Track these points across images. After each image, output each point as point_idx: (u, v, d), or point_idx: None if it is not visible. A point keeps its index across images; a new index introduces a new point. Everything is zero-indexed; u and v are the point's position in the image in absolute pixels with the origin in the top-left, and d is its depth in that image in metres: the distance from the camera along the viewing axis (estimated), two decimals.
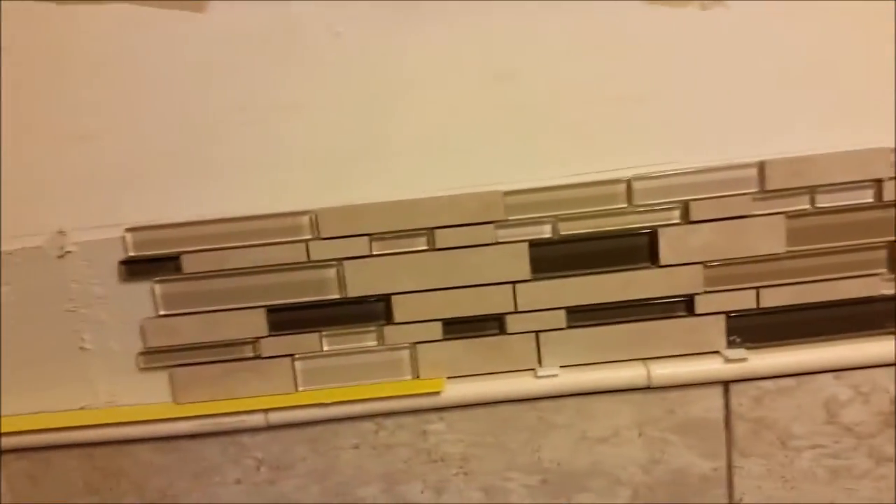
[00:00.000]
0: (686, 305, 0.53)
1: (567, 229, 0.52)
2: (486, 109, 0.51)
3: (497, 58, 0.51)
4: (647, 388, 0.53)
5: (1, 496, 0.57)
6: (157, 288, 0.53)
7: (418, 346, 0.54)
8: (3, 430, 0.56)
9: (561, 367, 0.54)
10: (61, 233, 0.53)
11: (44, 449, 0.57)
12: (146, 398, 0.56)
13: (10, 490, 0.58)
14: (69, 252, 0.53)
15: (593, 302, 0.53)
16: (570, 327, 0.54)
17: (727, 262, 0.52)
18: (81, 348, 0.55)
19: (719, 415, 0.54)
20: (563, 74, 0.51)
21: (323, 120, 0.51)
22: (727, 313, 0.53)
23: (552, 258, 0.52)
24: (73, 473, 0.57)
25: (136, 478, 0.57)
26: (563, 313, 0.54)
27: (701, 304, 0.53)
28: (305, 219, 0.53)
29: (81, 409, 0.56)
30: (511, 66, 0.51)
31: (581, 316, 0.54)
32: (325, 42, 0.50)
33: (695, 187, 0.51)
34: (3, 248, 0.54)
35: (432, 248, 0.52)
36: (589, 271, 0.53)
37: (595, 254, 0.53)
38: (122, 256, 0.53)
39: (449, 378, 0.55)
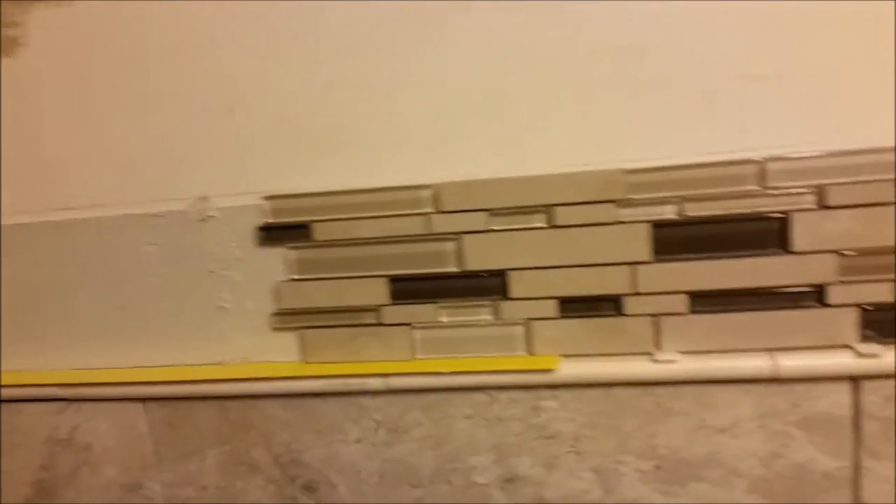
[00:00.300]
0: (817, 296, 0.60)
1: (693, 210, 0.60)
2: (610, 85, 0.60)
3: (623, 32, 0.59)
4: (772, 380, 0.62)
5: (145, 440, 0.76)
6: (290, 253, 0.68)
7: (533, 322, 0.66)
8: (148, 380, 0.74)
9: (680, 352, 0.63)
10: (204, 198, 0.69)
11: (182, 399, 0.74)
12: (277, 356, 0.71)
13: (151, 434, 0.77)
14: (211, 217, 0.69)
15: (718, 288, 0.61)
16: (692, 312, 0.62)
17: (864, 251, 0.58)
18: (219, 307, 0.71)
19: (847, 412, 0.61)
20: (691, 49, 0.58)
21: (449, 96, 0.63)
22: (861, 306, 0.59)
23: (676, 240, 0.61)
24: (206, 423, 0.75)
25: (264, 431, 0.73)
26: (685, 298, 0.62)
27: (833, 295, 0.60)
28: (428, 192, 0.65)
29: (217, 363, 0.72)
30: (637, 41, 0.59)
31: (704, 301, 0.62)
32: (454, 15, 0.61)
33: (831, 171, 0.57)
34: (152, 210, 0.71)
35: (551, 226, 0.63)
36: (714, 255, 0.60)
37: (722, 237, 0.60)
38: (259, 222, 0.68)
39: (563, 356, 0.65)
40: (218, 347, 0.71)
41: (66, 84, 0.68)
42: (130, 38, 0.65)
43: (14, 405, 0.77)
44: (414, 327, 0.66)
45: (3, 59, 0.68)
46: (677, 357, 0.63)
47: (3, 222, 0.72)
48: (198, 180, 0.67)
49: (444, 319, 0.66)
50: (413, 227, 0.64)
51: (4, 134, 0.70)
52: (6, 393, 0.75)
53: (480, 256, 0.64)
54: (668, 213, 0.60)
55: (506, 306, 0.64)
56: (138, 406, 0.73)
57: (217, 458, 0.73)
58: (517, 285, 0.63)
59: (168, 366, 0.72)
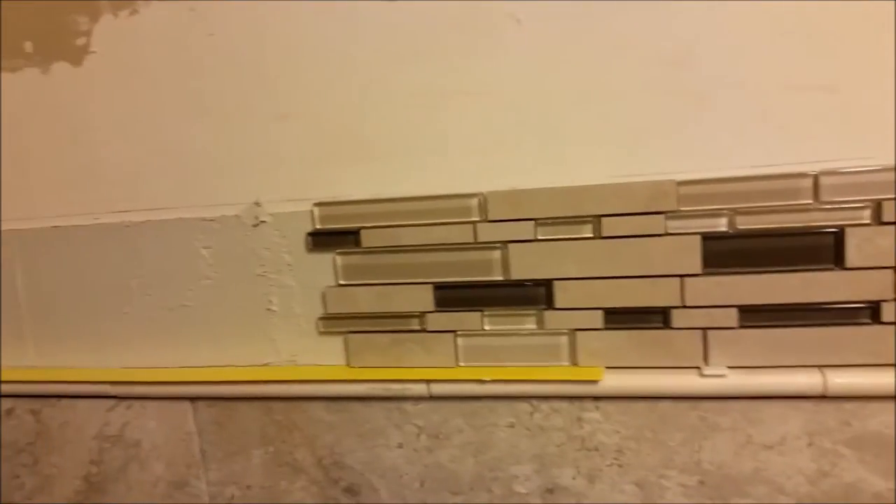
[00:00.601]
0: (871, 313, 0.58)
1: (744, 223, 0.59)
2: (660, 95, 0.59)
3: (675, 42, 0.58)
4: (822, 397, 0.60)
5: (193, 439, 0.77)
6: (339, 259, 0.69)
7: (578, 332, 0.65)
8: (197, 379, 0.75)
9: (728, 367, 0.62)
10: (257, 204, 0.70)
11: (230, 399, 0.75)
12: (323, 360, 0.71)
13: (198, 433, 0.78)
14: (263, 222, 0.70)
15: (769, 302, 0.60)
16: (741, 327, 0.61)
17: None
18: (268, 310, 0.72)
19: None
20: (744, 60, 0.57)
21: (497, 105, 0.63)
22: None
23: (726, 253, 0.60)
24: (252, 423, 0.75)
25: (308, 433, 0.74)
26: (734, 311, 0.61)
27: (888, 313, 0.58)
28: (475, 201, 0.65)
29: (265, 365, 0.73)
30: (689, 51, 0.58)
31: (754, 316, 0.61)
32: (507, 29, 0.62)
33: (887, 186, 0.56)
34: (206, 215, 0.72)
35: (598, 236, 0.62)
36: (766, 269, 0.59)
37: (774, 251, 0.59)
38: (309, 228, 0.69)
39: (608, 368, 0.64)
40: (266, 349, 0.71)
41: (128, 90, 0.70)
42: (191, 48, 0.67)
43: (67, 401, 0.79)
44: (458, 335, 0.66)
45: (72, 67, 0.70)
46: (725, 372, 0.62)
47: (62, 224, 0.74)
48: (251, 186, 0.69)
49: (488, 327, 0.66)
50: (459, 235, 0.64)
51: (69, 138, 0.72)
52: (61, 389, 0.77)
53: (526, 265, 0.63)
54: (720, 225, 0.59)
55: (550, 316, 0.64)
56: (187, 405, 0.74)
57: (262, 458, 0.74)
58: (562, 295, 0.63)
59: (217, 366, 0.73)
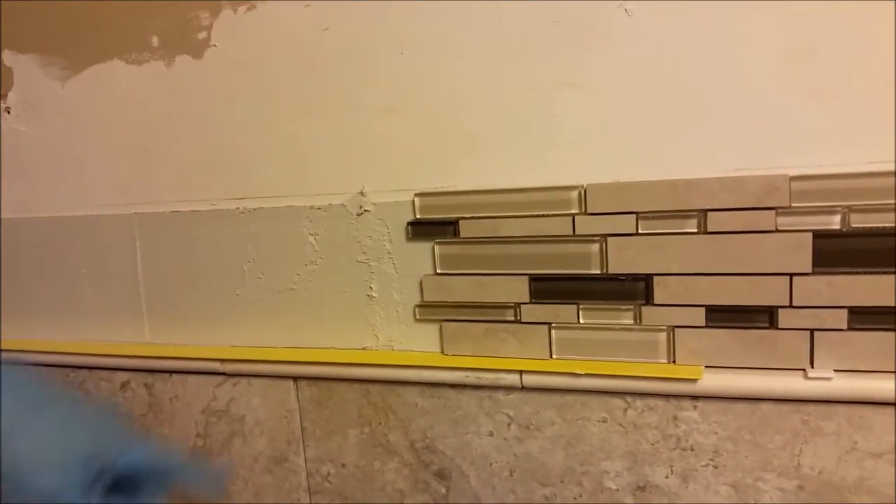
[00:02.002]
0: None
1: (859, 221, 0.54)
2: (776, 88, 0.55)
3: (793, 35, 0.54)
4: None
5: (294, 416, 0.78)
6: (437, 248, 0.68)
7: (677, 329, 0.62)
8: (300, 360, 0.75)
9: (836, 370, 0.57)
10: (362, 194, 0.70)
11: (330, 380, 0.75)
12: (418, 346, 0.70)
13: (299, 411, 0.78)
14: (367, 211, 0.70)
15: (882, 304, 0.55)
16: (850, 329, 0.56)
17: None
18: (369, 296, 0.72)
19: None
20: (864, 54, 0.53)
21: (604, 98, 0.60)
22: None
23: (838, 252, 0.55)
24: (350, 405, 0.75)
25: (403, 416, 0.73)
26: (844, 313, 0.56)
27: None
28: (574, 193, 0.62)
29: (363, 349, 0.73)
30: (808, 44, 0.54)
31: (865, 318, 0.56)
32: (616, 21, 0.59)
33: None
34: (314, 204, 0.72)
35: (703, 231, 0.59)
36: (881, 270, 0.55)
37: (890, 251, 0.54)
38: (410, 218, 0.68)
39: (707, 367, 0.61)
40: (365, 334, 0.71)
41: (245, 83, 0.71)
42: (305, 42, 0.67)
43: (179, 376, 0.80)
44: (552, 327, 0.64)
45: (193, 61, 0.71)
46: (832, 374, 0.57)
47: (181, 209, 0.75)
48: (358, 176, 0.68)
49: (584, 321, 0.63)
50: (558, 227, 0.62)
51: (189, 128, 0.74)
52: (173, 365, 0.78)
53: (625, 259, 0.60)
54: (833, 223, 0.54)
55: (649, 312, 0.61)
56: (289, 383, 0.74)
57: (357, 438, 0.73)
58: (662, 291, 0.60)
59: (319, 348, 0.73)
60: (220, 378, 0.78)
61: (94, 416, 0.49)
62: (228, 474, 0.60)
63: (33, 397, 0.46)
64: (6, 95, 0.81)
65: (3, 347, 0.85)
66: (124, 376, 0.83)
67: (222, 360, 0.75)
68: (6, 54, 0.80)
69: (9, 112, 0.81)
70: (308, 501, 0.78)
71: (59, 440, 0.45)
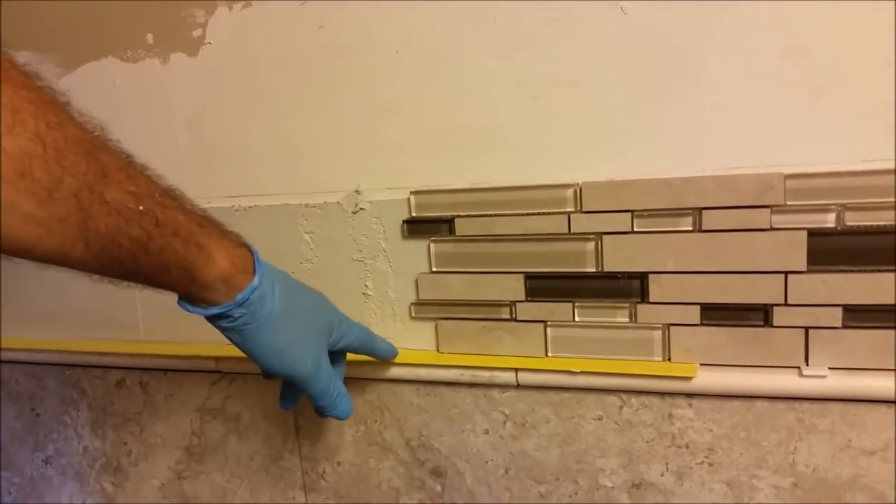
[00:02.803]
0: None
1: (854, 220, 0.54)
2: (771, 86, 0.55)
3: (788, 32, 0.54)
4: None
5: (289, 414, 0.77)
6: (433, 246, 0.67)
7: (672, 327, 0.62)
8: None
9: (830, 368, 0.57)
10: (357, 192, 0.69)
11: None
12: (414, 344, 0.70)
13: (294, 409, 0.77)
14: (362, 209, 0.69)
15: (877, 302, 0.55)
16: (845, 327, 0.56)
17: None
18: (364, 294, 0.71)
19: None
20: (860, 51, 0.52)
21: (598, 96, 0.60)
22: None
23: (833, 250, 0.55)
24: None
25: (398, 414, 0.73)
26: (839, 311, 0.56)
27: None
28: (570, 191, 0.62)
29: None
30: (801, 42, 0.54)
31: (860, 316, 0.56)
32: (611, 19, 0.59)
33: None
34: (309, 202, 0.71)
35: (698, 230, 0.59)
36: (875, 268, 0.54)
37: (885, 249, 0.54)
38: (405, 216, 0.67)
39: (702, 365, 0.61)
40: None
41: (240, 81, 0.70)
42: (300, 40, 0.67)
43: (175, 375, 0.80)
44: (548, 325, 0.64)
45: (188, 58, 0.71)
46: (826, 372, 0.57)
47: None
48: (352, 174, 0.68)
49: (579, 319, 0.63)
50: (554, 225, 0.62)
51: (184, 126, 0.73)
52: (168, 363, 0.78)
53: (621, 258, 0.60)
54: (828, 221, 0.54)
55: (644, 310, 0.61)
56: None
57: (353, 436, 0.73)
58: (657, 289, 0.59)
59: None
60: (216, 376, 0.77)
61: (326, 303, 0.60)
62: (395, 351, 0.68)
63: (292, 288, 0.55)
64: None
65: (1, 346, 0.85)
66: (119, 374, 0.83)
67: (217, 359, 0.75)
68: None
69: None
70: (304, 500, 0.77)
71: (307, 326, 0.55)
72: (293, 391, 0.62)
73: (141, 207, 0.42)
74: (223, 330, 0.51)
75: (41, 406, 0.89)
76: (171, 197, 0.46)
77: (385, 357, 0.66)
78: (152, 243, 0.43)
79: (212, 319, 0.50)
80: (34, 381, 0.89)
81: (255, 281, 0.49)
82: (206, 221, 0.48)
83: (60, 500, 0.91)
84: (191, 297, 0.48)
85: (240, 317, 0.49)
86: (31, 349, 0.84)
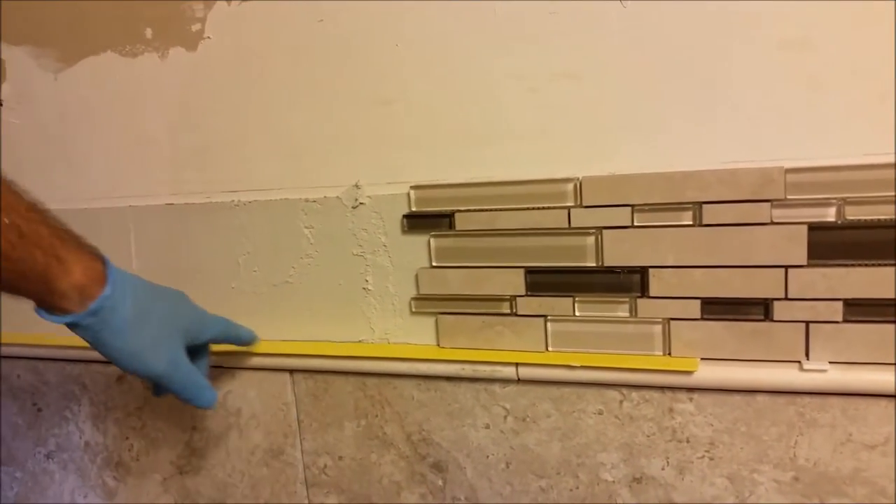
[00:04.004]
0: None
1: (854, 214, 0.54)
2: (771, 79, 0.55)
3: (788, 25, 0.54)
4: None
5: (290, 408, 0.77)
6: (433, 241, 0.67)
7: (673, 322, 0.62)
8: (296, 352, 0.75)
9: (831, 362, 0.57)
10: (357, 186, 0.69)
11: (326, 373, 0.75)
12: (414, 339, 0.70)
13: (295, 404, 0.78)
14: (362, 204, 0.69)
15: (878, 297, 0.55)
16: (846, 321, 0.56)
17: None
18: (364, 289, 0.72)
19: None
20: (860, 45, 0.52)
21: (598, 90, 0.60)
22: None
23: (834, 244, 0.55)
24: (346, 397, 0.75)
25: (399, 409, 0.73)
26: (839, 305, 0.56)
27: None
28: (570, 186, 0.62)
29: (359, 342, 0.72)
30: (800, 34, 0.53)
31: (861, 310, 0.56)
32: (611, 12, 0.58)
33: None
34: (309, 196, 0.71)
35: (698, 224, 0.59)
36: (876, 262, 0.54)
37: (885, 243, 0.54)
38: (405, 211, 0.67)
39: (703, 359, 0.61)
40: (361, 327, 0.71)
41: (239, 75, 0.70)
42: (300, 34, 0.67)
43: None
44: (548, 319, 0.64)
45: (187, 53, 0.71)
46: (827, 367, 0.57)
47: (176, 202, 0.75)
48: (352, 169, 0.68)
49: (580, 314, 0.63)
50: (554, 220, 0.62)
51: (183, 121, 0.73)
52: None
53: (621, 252, 0.60)
54: (828, 215, 0.54)
55: (644, 304, 0.61)
56: (286, 376, 0.74)
57: (354, 430, 0.73)
58: (658, 283, 0.59)
59: (315, 340, 0.73)
60: (217, 371, 0.78)
61: (184, 302, 0.63)
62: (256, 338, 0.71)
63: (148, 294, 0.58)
64: None
65: (2, 342, 0.85)
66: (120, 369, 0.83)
67: (218, 353, 0.75)
68: None
69: (2, 104, 0.81)
70: (305, 494, 0.78)
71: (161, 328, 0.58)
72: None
73: (6, 220, 0.46)
74: (80, 335, 0.54)
75: (43, 401, 0.89)
76: (36, 211, 0.50)
77: (248, 343, 0.70)
78: (14, 253, 0.47)
79: (67, 326, 0.52)
80: (35, 376, 0.89)
81: (107, 291, 0.52)
82: (67, 235, 0.52)
83: (62, 494, 0.91)
84: (47, 305, 0.52)
85: (92, 325, 0.52)
86: (33, 344, 0.85)
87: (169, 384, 0.59)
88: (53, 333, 0.79)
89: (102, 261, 0.54)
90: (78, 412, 0.88)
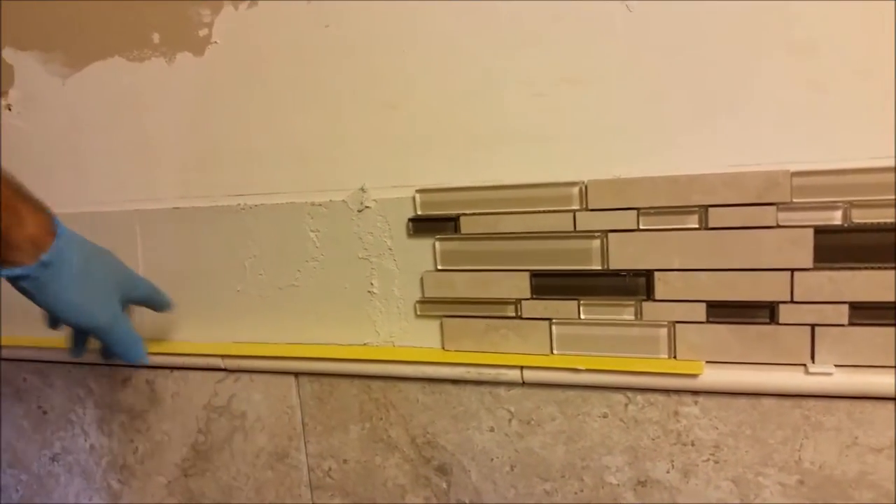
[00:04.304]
0: None
1: (861, 217, 0.54)
2: (777, 83, 0.55)
3: (794, 29, 0.54)
4: None
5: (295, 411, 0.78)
6: (438, 245, 0.67)
7: (678, 325, 0.62)
8: (301, 356, 0.75)
9: (836, 365, 0.57)
10: (363, 190, 0.70)
11: (331, 376, 0.75)
12: (419, 342, 0.70)
13: (300, 407, 0.78)
14: (367, 207, 0.70)
15: (884, 300, 0.55)
16: (851, 324, 0.56)
17: None
18: (370, 292, 0.72)
19: None
20: (865, 49, 0.52)
21: (604, 94, 0.60)
22: None
23: (840, 247, 0.55)
24: (351, 400, 0.75)
25: (404, 412, 0.73)
26: (845, 308, 0.56)
27: None
28: (575, 189, 0.62)
29: (364, 345, 0.73)
30: (806, 37, 0.54)
31: (866, 313, 0.56)
32: (616, 16, 0.59)
33: None
34: (315, 200, 0.72)
35: (704, 227, 0.59)
36: (882, 265, 0.54)
37: (891, 247, 0.54)
38: (411, 214, 0.67)
39: (708, 362, 0.61)
40: (366, 330, 0.71)
41: (246, 80, 0.71)
42: (306, 39, 0.67)
43: (180, 372, 0.80)
44: (553, 323, 0.64)
45: (194, 58, 0.71)
46: (832, 370, 0.57)
47: (182, 205, 0.75)
48: (358, 173, 0.68)
49: (585, 317, 0.63)
50: (559, 223, 0.62)
51: (190, 125, 0.74)
52: (174, 361, 0.78)
53: (626, 255, 0.60)
54: (834, 218, 0.54)
55: (650, 307, 0.61)
56: (291, 379, 0.74)
57: (359, 433, 0.73)
58: (663, 286, 0.60)
59: (320, 344, 0.74)
60: (222, 374, 0.78)
61: (117, 260, 0.65)
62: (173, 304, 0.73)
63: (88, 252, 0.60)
64: (7, 92, 0.81)
65: (4, 344, 0.85)
66: (126, 372, 0.83)
67: (223, 356, 0.75)
68: (7, 51, 0.80)
69: (10, 109, 0.81)
70: (309, 497, 0.78)
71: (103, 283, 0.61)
72: (82, 339, 0.67)
73: None
74: (26, 290, 0.55)
75: (48, 404, 0.90)
76: None
77: (167, 308, 0.72)
78: None
79: (16, 279, 0.54)
80: (41, 378, 0.89)
81: (58, 243, 0.55)
82: (19, 188, 0.53)
83: (67, 497, 0.91)
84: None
85: (42, 276, 0.54)
86: (38, 347, 0.85)
87: (108, 336, 0.62)
88: (59, 336, 0.80)
89: (51, 215, 0.56)
90: (83, 415, 0.88)
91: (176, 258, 0.77)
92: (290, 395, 0.75)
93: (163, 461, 0.85)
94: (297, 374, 0.75)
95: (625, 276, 0.61)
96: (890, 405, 0.56)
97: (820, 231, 0.55)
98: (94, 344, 0.68)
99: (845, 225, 0.55)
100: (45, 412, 0.90)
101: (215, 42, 0.71)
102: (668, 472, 0.63)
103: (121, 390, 0.85)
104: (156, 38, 0.73)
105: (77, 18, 0.76)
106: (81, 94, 0.79)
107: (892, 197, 0.53)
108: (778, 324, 0.58)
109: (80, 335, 0.66)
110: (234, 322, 0.76)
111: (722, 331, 0.59)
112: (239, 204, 0.73)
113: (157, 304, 0.70)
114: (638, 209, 0.60)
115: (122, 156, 0.78)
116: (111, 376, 0.85)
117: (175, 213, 0.76)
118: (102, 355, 0.69)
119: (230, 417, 0.80)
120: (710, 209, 0.57)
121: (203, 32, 0.71)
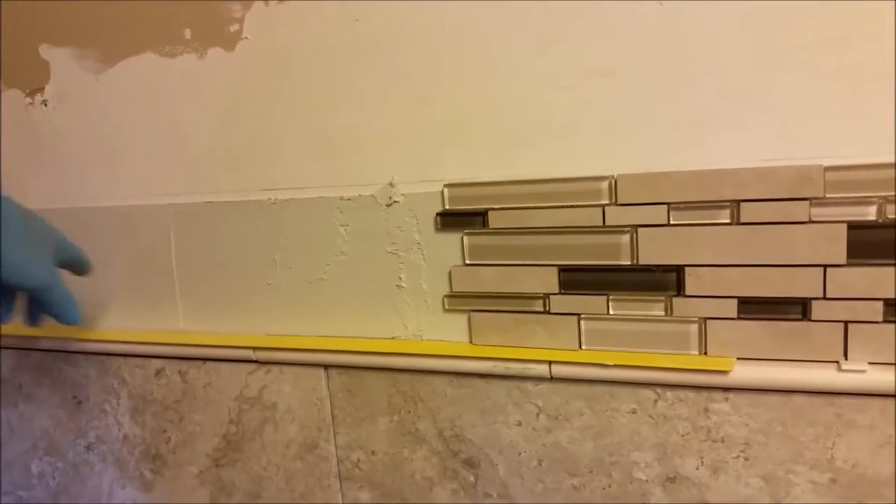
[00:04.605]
0: None
1: (895, 212, 0.54)
2: (810, 77, 0.54)
3: (827, 23, 0.53)
4: None
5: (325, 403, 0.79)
6: (466, 239, 0.68)
7: (709, 321, 0.61)
8: (331, 348, 0.76)
9: (870, 363, 0.56)
10: (392, 184, 0.70)
11: (360, 368, 0.76)
12: (447, 336, 0.71)
13: (330, 399, 0.79)
14: (396, 202, 0.70)
15: None
16: (886, 321, 0.55)
17: None
18: (398, 286, 0.72)
19: None
20: None
21: (634, 87, 0.60)
22: None
23: (874, 243, 0.54)
24: (380, 393, 0.76)
25: (431, 405, 0.74)
26: (879, 305, 0.55)
27: None
28: (605, 184, 0.62)
29: (392, 338, 0.73)
30: (842, 32, 0.53)
31: None
32: (647, 9, 0.58)
33: None
34: (345, 195, 0.72)
35: (736, 222, 0.58)
36: None
37: None
38: (439, 209, 0.68)
39: (739, 359, 0.60)
40: (394, 323, 0.72)
41: (276, 75, 0.71)
42: (336, 34, 0.68)
43: (212, 364, 0.82)
44: (581, 318, 0.64)
45: (225, 53, 0.72)
46: (866, 367, 0.56)
47: (214, 199, 0.76)
48: (387, 167, 0.69)
49: (613, 312, 0.63)
50: (588, 218, 0.62)
51: (221, 120, 0.75)
52: (206, 352, 0.80)
53: (656, 250, 0.60)
54: (868, 214, 0.54)
55: (679, 303, 0.60)
56: (320, 372, 0.75)
57: (387, 426, 0.74)
58: (693, 282, 0.59)
59: (349, 337, 0.74)
60: (253, 366, 0.79)
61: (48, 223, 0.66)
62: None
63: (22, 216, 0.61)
64: (43, 89, 0.83)
65: (40, 335, 0.88)
66: (159, 364, 0.85)
67: (255, 349, 0.77)
68: (43, 48, 0.82)
69: (46, 105, 0.83)
70: (338, 487, 0.79)
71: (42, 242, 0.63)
72: (8, 304, 0.66)
73: None
74: None
75: (83, 394, 0.92)
76: None
77: (89, 271, 0.74)
78: None
79: None
80: (76, 369, 0.91)
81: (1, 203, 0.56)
82: None
83: (101, 485, 0.93)
84: None
85: None
86: (73, 338, 0.87)
87: (47, 295, 0.62)
88: (93, 328, 0.82)
89: None
90: (117, 405, 0.90)
91: (208, 252, 0.78)
92: (320, 387, 0.76)
93: (195, 451, 0.86)
94: (326, 367, 0.76)
95: (655, 271, 0.61)
96: None
97: (854, 227, 0.55)
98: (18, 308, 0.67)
99: (880, 220, 0.54)
100: (80, 402, 0.92)
101: (246, 38, 0.72)
102: (697, 468, 0.63)
103: (154, 381, 0.86)
104: (187, 33, 0.74)
105: (110, 15, 0.78)
106: (115, 89, 0.80)
107: None
108: (810, 320, 0.57)
109: (7, 299, 0.65)
110: (265, 315, 0.77)
111: (753, 327, 0.59)
112: (270, 198, 0.74)
113: (83, 266, 0.72)
114: (668, 204, 0.59)
115: (155, 150, 0.79)
116: (145, 367, 0.87)
117: (207, 207, 0.77)
118: (29, 319, 0.67)
119: (261, 409, 0.81)
120: (742, 204, 0.57)
121: (234, 28, 0.72)
